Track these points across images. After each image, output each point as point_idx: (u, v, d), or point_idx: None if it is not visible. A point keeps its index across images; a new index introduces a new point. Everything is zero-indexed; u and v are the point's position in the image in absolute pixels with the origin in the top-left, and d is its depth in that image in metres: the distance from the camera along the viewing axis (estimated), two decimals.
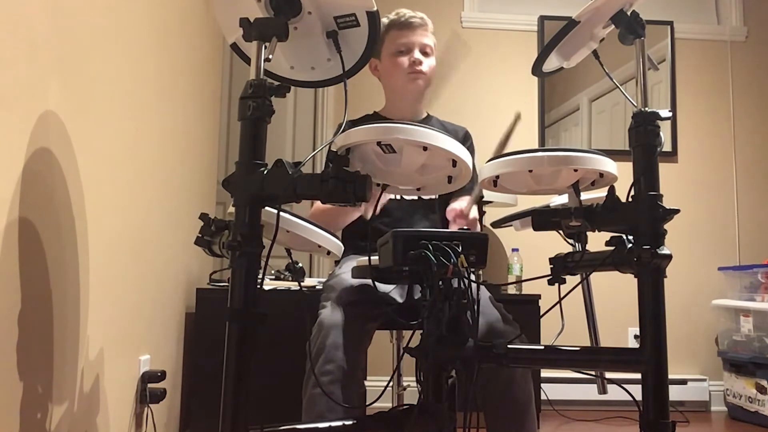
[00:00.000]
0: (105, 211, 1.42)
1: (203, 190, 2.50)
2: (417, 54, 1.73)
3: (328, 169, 1.02)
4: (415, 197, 1.78)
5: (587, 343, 1.67)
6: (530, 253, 2.88)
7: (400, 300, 1.57)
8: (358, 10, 1.11)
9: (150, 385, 1.75)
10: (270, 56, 1.05)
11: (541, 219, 1.18)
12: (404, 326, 1.73)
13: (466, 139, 1.83)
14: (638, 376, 1.07)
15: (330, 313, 1.41)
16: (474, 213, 1.87)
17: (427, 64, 1.75)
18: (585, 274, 1.21)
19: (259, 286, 1.01)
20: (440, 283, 1.01)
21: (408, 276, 1.20)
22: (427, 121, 1.85)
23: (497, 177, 1.18)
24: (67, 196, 1.21)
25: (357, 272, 1.42)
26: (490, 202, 2.76)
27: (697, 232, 3.35)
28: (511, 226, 1.47)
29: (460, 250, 1.03)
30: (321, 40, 1.16)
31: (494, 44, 3.42)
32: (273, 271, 2.32)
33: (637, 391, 1.09)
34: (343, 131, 1.07)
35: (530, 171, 1.14)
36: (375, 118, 1.83)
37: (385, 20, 1.77)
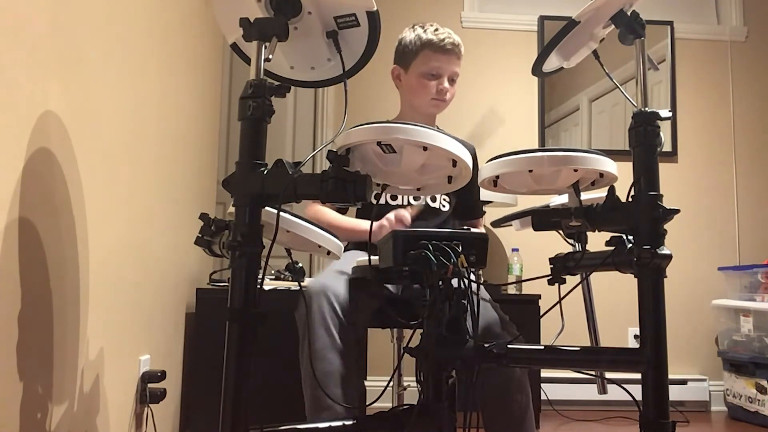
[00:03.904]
0: (105, 210, 1.42)
1: (203, 190, 2.50)
2: (446, 83, 1.74)
3: (328, 169, 1.02)
4: (422, 201, 1.78)
5: (587, 343, 1.67)
6: (530, 253, 2.89)
7: (394, 291, 1.57)
8: (358, 10, 1.11)
9: (150, 385, 1.75)
10: (270, 56, 1.05)
11: (541, 219, 1.18)
12: (404, 326, 1.73)
13: (475, 158, 1.82)
14: (638, 376, 1.07)
15: (321, 279, 1.44)
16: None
17: (451, 92, 1.77)
18: (585, 274, 1.21)
19: (259, 286, 1.01)
20: (440, 283, 1.01)
21: (408, 276, 1.20)
22: None
23: (497, 177, 1.18)
24: (67, 196, 1.21)
25: (357, 272, 1.42)
26: (490, 202, 2.76)
27: (697, 232, 3.35)
28: (511, 226, 1.47)
29: (460, 250, 1.03)
30: (321, 40, 1.16)
31: (494, 44, 3.42)
32: (273, 271, 2.32)
33: (637, 391, 1.09)
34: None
35: (530, 171, 1.14)
36: None
37: (421, 33, 1.74)
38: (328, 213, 1.77)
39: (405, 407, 1.08)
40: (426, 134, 1.04)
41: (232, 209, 1.04)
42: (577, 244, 1.20)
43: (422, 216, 1.76)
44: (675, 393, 3.10)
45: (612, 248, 1.12)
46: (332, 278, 1.46)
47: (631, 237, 1.10)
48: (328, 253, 1.23)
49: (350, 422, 1.06)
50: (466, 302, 1.02)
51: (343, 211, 1.85)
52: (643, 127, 1.10)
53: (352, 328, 1.41)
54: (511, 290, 2.77)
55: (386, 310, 1.51)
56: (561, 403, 3.03)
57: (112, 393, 1.52)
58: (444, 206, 1.82)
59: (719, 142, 3.45)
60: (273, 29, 1.05)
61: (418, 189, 1.23)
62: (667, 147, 3.38)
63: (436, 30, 1.75)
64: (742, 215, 3.41)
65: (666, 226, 1.08)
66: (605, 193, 1.13)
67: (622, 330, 3.22)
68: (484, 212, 1.99)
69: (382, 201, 1.75)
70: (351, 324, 1.41)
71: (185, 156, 2.18)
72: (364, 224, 1.73)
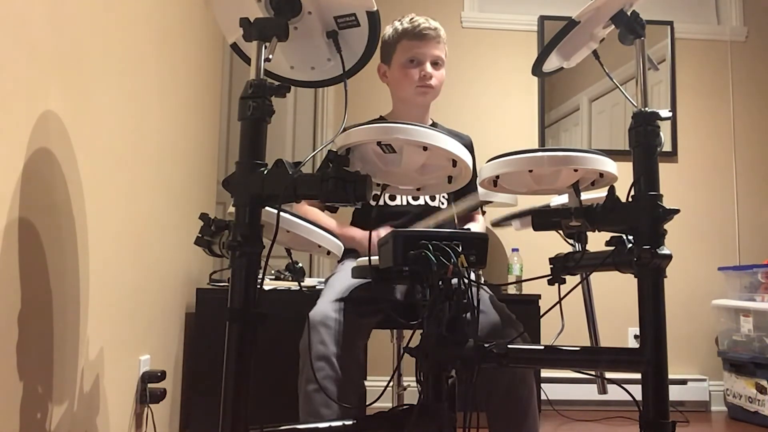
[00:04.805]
0: (105, 211, 1.42)
1: (203, 190, 2.50)
2: (428, 68, 1.72)
3: (327, 168, 1.02)
4: (422, 202, 1.78)
5: (587, 343, 1.67)
6: (530, 253, 2.88)
7: (399, 297, 1.57)
8: (358, 10, 1.11)
9: (150, 385, 1.75)
10: (270, 56, 1.05)
11: (541, 219, 1.18)
12: (404, 326, 1.73)
13: (472, 149, 1.82)
14: (638, 376, 1.07)
15: (320, 309, 1.41)
16: (479, 226, 1.87)
17: (437, 77, 1.75)
18: (585, 274, 1.21)
19: (259, 286, 1.01)
20: (440, 283, 1.01)
21: (408, 276, 1.20)
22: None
23: (497, 177, 1.18)
24: (67, 196, 1.21)
25: (357, 272, 1.42)
26: (490, 202, 2.76)
27: (697, 232, 3.35)
28: (511, 226, 1.47)
29: (460, 250, 1.03)
30: (321, 40, 1.16)
31: (494, 44, 3.42)
32: (273, 271, 2.32)
33: (637, 391, 1.09)
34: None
35: (530, 171, 1.14)
36: (380, 122, 1.83)
37: (398, 25, 1.75)
38: (317, 215, 1.76)
39: (405, 407, 1.08)
40: (426, 134, 1.04)
41: (232, 209, 1.04)
42: (577, 244, 1.20)
43: (422, 216, 1.76)
44: (675, 393, 3.10)
45: (612, 248, 1.12)
46: (331, 307, 1.44)
47: (631, 237, 1.10)
48: (328, 253, 1.23)
49: (350, 422, 1.06)
50: (466, 302, 1.02)
51: (333, 210, 1.84)
52: (643, 127, 1.10)
53: (351, 354, 1.40)
54: (511, 290, 2.77)
55: (386, 310, 1.51)
56: (561, 403, 3.02)
57: (112, 393, 1.52)
58: (443, 205, 1.81)
59: (719, 142, 3.45)
60: (273, 29, 1.05)
61: (418, 189, 1.23)
62: (667, 147, 3.38)
63: (412, 19, 1.74)
64: (742, 215, 3.41)
65: (666, 226, 1.08)
66: (605, 193, 1.13)
67: (622, 330, 3.22)
68: (484, 211, 1.98)
69: (380, 201, 1.74)
70: (349, 350, 1.40)
71: (185, 156, 2.18)
72: (353, 231, 1.73)
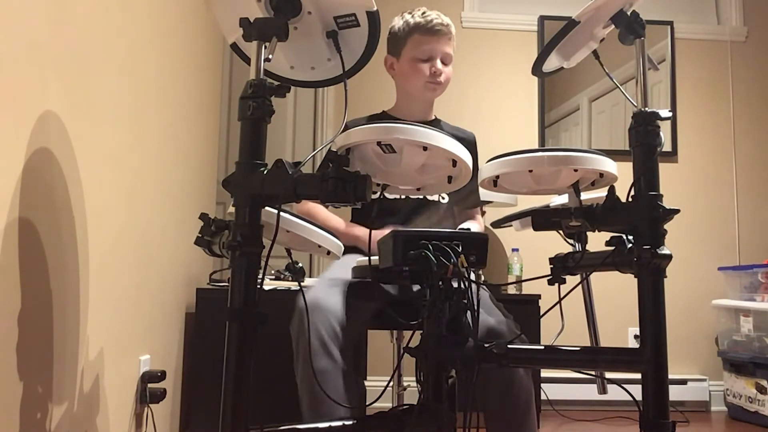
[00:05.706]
0: (105, 211, 1.42)
1: (203, 190, 2.50)
2: (439, 64, 1.72)
3: (327, 168, 1.02)
4: (420, 197, 1.78)
5: (587, 343, 1.67)
6: (530, 253, 2.89)
7: (393, 292, 1.57)
8: (358, 10, 1.11)
9: (150, 385, 1.75)
10: (270, 56, 1.05)
11: (541, 219, 1.18)
12: (404, 326, 1.73)
13: (475, 147, 1.81)
14: (638, 376, 1.07)
15: (319, 290, 1.42)
16: (479, 225, 1.87)
17: (446, 73, 1.74)
18: (585, 274, 1.21)
19: (259, 286, 1.01)
20: (440, 283, 1.01)
21: (408, 276, 1.20)
22: (436, 124, 1.84)
23: (497, 177, 1.18)
24: (67, 196, 1.21)
25: (357, 272, 1.42)
26: (490, 202, 2.76)
27: (697, 232, 3.35)
28: (511, 226, 1.47)
29: (460, 250, 1.03)
30: (321, 40, 1.16)
31: (494, 44, 3.42)
32: (273, 271, 2.32)
33: (637, 391, 1.09)
34: (348, 129, 1.08)
35: (530, 171, 1.14)
36: (383, 117, 1.83)
37: (409, 18, 1.73)
38: (321, 211, 1.76)
39: (405, 407, 1.08)
40: (426, 134, 1.04)
41: (232, 209, 1.04)
42: (577, 244, 1.20)
43: (421, 211, 1.76)
44: (675, 393, 3.10)
45: (612, 248, 1.12)
46: (325, 292, 1.44)
47: (631, 237, 1.10)
48: (328, 253, 1.23)
49: (350, 422, 1.06)
50: (466, 302, 1.02)
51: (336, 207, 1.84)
52: (643, 127, 1.10)
53: (349, 339, 1.40)
54: (511, 290, 2.77)
55: (386, 310, 1.51)
56: (561, 403, 3.02)
57: (112, 393, 1.52)
58: (444, 198, 1.80)
59: (719, 142, 3.45)
60: (273, 29, 1.05)
61: (418, 189, 1.23)
62: (667, 147, 3.38)
63: (424, 13, 1.72)
64: (742, 215, 3.41)
65: (666, 226, 1.08)
66: (605, 193, 1.13)
67: (622, 330, 3.22)
68: (484, 211, 1.98)
69: (379, 195, 1.74)
70: (348, 335, 1.40)
71: (185, 156, 2.18)
72: (357, 230, 1.73)
